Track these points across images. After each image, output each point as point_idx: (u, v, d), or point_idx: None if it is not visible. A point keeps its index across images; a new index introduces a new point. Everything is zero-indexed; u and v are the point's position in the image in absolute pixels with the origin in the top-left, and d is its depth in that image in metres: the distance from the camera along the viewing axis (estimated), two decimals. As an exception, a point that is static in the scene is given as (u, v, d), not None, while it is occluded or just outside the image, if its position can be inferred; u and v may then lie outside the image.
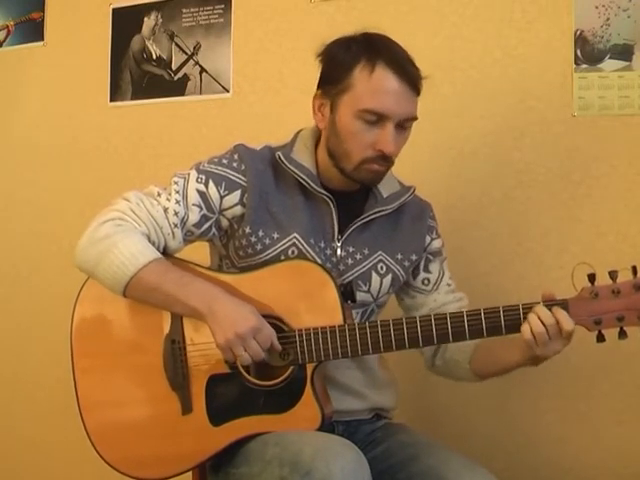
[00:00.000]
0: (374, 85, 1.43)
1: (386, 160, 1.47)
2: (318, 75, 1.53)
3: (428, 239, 1.63)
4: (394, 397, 1.66)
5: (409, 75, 1.44)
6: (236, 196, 1.50)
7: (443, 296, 1.63)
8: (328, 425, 1.44)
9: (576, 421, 1.88)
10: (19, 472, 2.53)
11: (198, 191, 1.49)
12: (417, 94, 1.47)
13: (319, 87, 1.52)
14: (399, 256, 1.58)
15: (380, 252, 1.56)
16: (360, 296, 1.53)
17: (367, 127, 1.44)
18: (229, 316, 1.38)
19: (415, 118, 1.49)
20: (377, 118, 1.43)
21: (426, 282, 1.63)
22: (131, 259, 1.40)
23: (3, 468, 2.56)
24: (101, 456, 1.47)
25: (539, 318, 1.34)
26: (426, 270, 1.63)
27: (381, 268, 1.56)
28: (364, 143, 1.45)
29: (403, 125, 1.47)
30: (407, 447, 1.48)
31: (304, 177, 1.50)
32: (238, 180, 1.50)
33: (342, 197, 1.53)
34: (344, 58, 1.46)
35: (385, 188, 1.58)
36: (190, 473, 1.51)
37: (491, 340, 1.45)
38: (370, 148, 1.45)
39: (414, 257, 1.61)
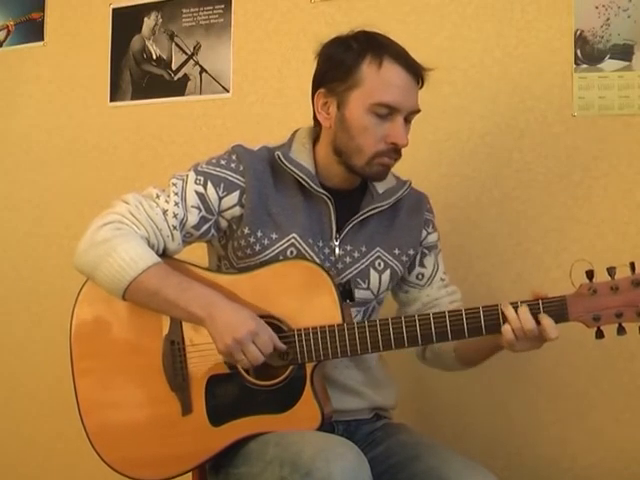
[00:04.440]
0: (384, 79, 1.45)
1: (397, 153, 1.49)
2: (313, 75, 1.53)
3: (424, 233, 1.63)
4: (394, 396, 1.66)
5: (414, 67, 1.47)
6: (235, 197, 1.50)
7: (436, 291, 1.63)
8: (328, 425, 1.44)
9: (576, 421, 1.88)
10: (19, 472, 2.53)
11: (197, 193, 1.49)
12: (421, 86, 1.50)
13: (321, 86, 1.51)
14: (396, 251, 1.58)
15: (378, 248, 1.56)
16: (360, 294, 1.54)
17: (378, 121, 1.46)
18: (228, 322, 1.37)
19: (419, 111, 1.51)
20: (388, 111, 1.45)
21: (420, 277, 1.64)
22: (130, 263, 1.40)
23: (3, 468, 2.55)
24: (101, 457, 1.47)
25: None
26: (421, 265, 1.64)
27: (379, 265, 1.56)
28: (376, 137, 1.46)
29: (408, 118, 1.49)
30: (407, 447, 1.48)
31: (303, 177, 1.50)
32: (237, 181, 1.50)
33: (340, 195, 1.53)
34: (348, 55, 1.47)
35: (381, 184, 1.58)
36: (190, 473, 1.50)
37: None
38: (382, 142, 1.47)
39: (411, 252, 1.61)
